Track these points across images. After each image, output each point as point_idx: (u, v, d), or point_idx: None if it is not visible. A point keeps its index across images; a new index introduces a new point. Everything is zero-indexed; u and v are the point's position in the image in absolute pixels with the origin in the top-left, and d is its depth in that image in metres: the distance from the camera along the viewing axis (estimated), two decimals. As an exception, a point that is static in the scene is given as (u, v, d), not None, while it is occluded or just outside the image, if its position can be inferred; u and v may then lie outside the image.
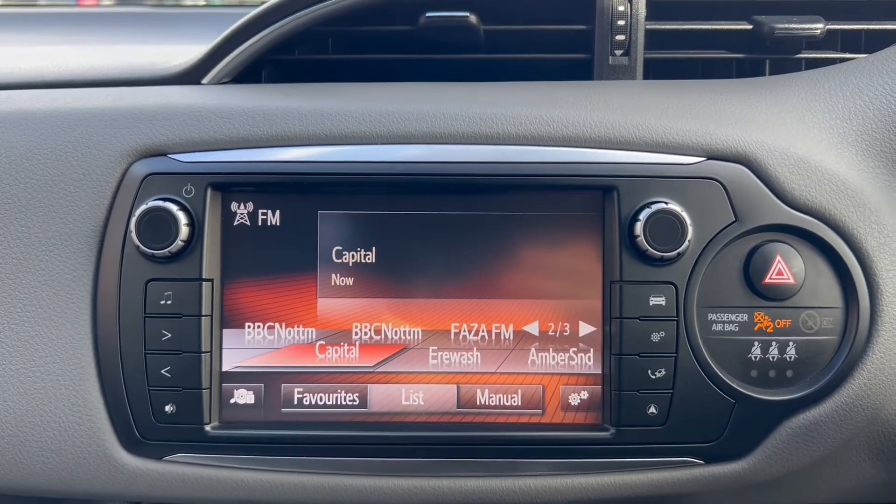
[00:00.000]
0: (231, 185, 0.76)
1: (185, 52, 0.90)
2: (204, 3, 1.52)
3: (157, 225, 0.73)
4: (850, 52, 0.90)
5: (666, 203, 0.73)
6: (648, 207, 0.73)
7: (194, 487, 0.76)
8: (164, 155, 0.76)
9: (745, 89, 0.82)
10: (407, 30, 0.89)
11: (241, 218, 0.76)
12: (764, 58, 0.91)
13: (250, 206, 0.76)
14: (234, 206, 0.76)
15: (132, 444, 0.76)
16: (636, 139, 0.76)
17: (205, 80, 0.87)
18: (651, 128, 0.76)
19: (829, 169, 0.75)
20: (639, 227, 0.72)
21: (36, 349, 0.77)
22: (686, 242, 0.72)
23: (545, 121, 0.76)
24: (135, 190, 0.75)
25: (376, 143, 0.76)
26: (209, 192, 0.75)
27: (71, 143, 0.77)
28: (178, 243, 0.73)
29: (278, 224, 0.76)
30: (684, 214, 0.72)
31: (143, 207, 0.73)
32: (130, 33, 1.27)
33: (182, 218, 0.73)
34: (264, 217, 0.76)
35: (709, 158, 0.75)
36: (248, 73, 0.88)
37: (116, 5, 1.40)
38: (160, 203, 0.73)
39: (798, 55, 0.90)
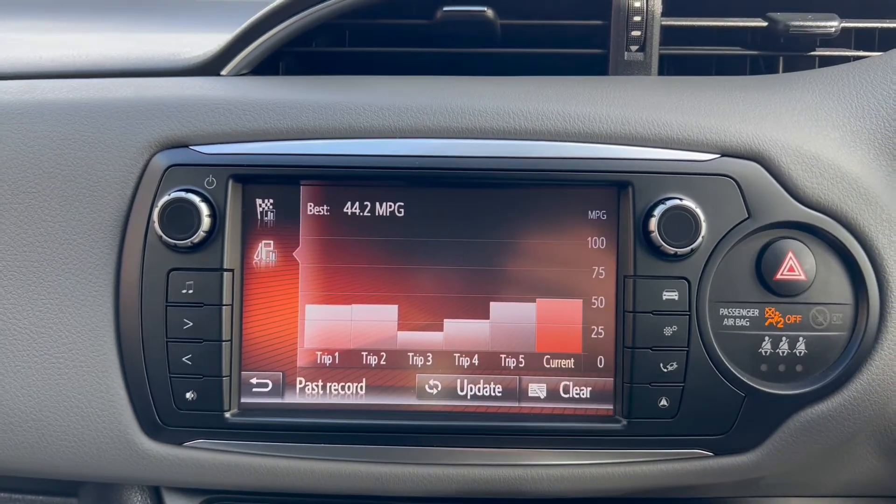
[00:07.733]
0: (252, 177, 0.77)
1: (204, 41, 0.91)
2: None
3: (180, 216, 0.74)
4: (864, 50, 0.91)
5: (680, 199, 0.74)
6: (663, 203, 0.74)
7: (213, 472, 0.78)
8: (186, 146, 0.77)
9: (760, 86, 0.83)
10: (424, 23, 0.90)
11: (261, 209, 0.77)
12: (778, 55, 0.92)
13: (270, 198, 0.77)
14: (254, 197, 0.77)
15: (153, 429, 0.78)
16: (651, 135, 0.76)
17: (224, 72, 0.88)
18: (666, 124, 0.77)
19: (841, 167, 0.76)
20: (653, 223, 0.73)
21: (59, 336, 0.78)
22: (700, 238, 0.73)
23: (561, 116, 0.77)
24: (157, 181, 0.76)
25: (395, 137, 0.77)
26: (230, 183, 0.76)
27: (93, 134, 0.78)
28: (201, 234, 0.74)
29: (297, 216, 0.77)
30: (698, 211, 0.73)
31: (165, 198, 0.74)
32: (148, 20, 1.27)
33: (204, 209, 0.74)
34: (283, 209, 0.77)
35: (723, 155, 0.76)
36: (266, 65, 0.89)
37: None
38: (183, 194, 0.74)
39: (812, 53, 0.91)
